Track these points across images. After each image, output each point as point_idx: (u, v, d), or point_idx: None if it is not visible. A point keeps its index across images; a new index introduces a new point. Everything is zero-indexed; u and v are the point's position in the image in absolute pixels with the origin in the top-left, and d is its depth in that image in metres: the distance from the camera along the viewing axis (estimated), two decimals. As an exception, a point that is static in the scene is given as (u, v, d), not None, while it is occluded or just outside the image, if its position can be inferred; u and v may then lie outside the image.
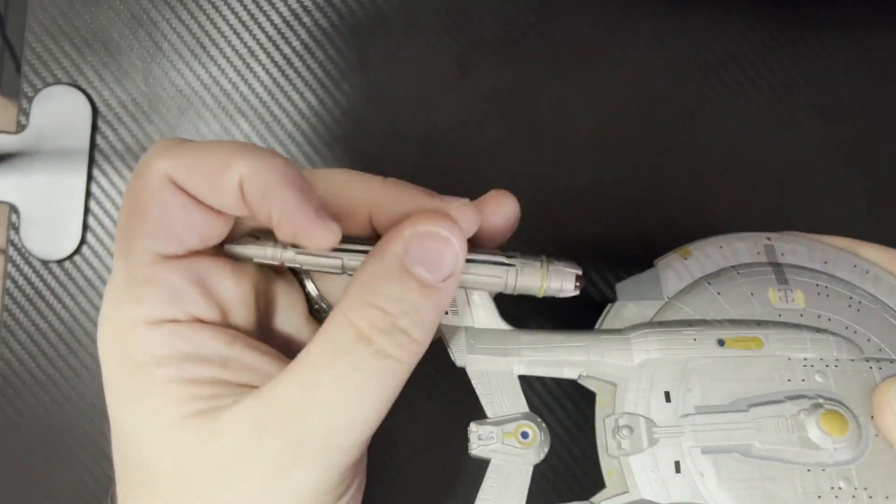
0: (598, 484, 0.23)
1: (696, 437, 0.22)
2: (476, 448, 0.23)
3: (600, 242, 0.31)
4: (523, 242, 0.31)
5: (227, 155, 0.19)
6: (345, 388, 0.19)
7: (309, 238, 0.20)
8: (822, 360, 0.23)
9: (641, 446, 0.22)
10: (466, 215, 0.21)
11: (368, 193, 0.22)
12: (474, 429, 0.23)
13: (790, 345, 0.23)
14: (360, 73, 0.32)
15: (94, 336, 0.32)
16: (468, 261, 0.21)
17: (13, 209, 0.32)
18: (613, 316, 0.24)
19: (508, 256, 0.22)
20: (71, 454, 0.31)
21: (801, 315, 0.23)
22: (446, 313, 0.23)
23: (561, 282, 0.22)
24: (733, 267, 0.25)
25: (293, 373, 0.20)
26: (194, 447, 0.19)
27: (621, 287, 0.26)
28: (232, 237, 0.22)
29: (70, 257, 0.32)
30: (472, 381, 0.23)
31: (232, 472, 0.19)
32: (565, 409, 0.31)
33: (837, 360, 0.23)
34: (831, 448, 0.22)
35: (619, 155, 0.31)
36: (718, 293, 0.24)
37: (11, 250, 0.32)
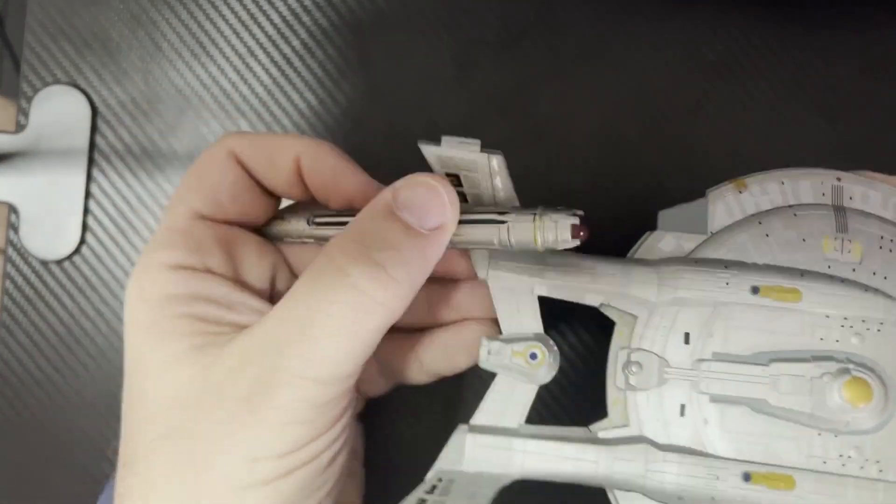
0: (600, 413, 0.23)
1: (707, 384, 0.21)
2: (485, 361, 0.23)
3: (600, 242, 0.31)
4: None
5: (286, 139, 0.23)
6: (318, 321, 0.20)
7: None
8: (863, 321, 0.21)
9: (649, 384, 0.22)
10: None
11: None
12: (485, 343, 0.23)
13: (831, 301, 0.21)
14: (360, 73, 0.32)
15: (94, 336, 0.32)
16: (459, 222, 0.21)
17: (12, 209, 0.31)
18: (649, 246, 0.23)
19: (501, 213, 0.21)
20: (70, 454, 0.31)
21: (854, 270, 0.22)
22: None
23: (556, 233, 0.20)
24: (791, 207, 0.23)
25: (279, 307, 0.21)
26: (192, 377, 0.20)
27: (665, 215, 0.24)
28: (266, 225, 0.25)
29: (69, 257, 0.31)
30: (492, 295, 0.23)
31: (215, 399, 0.20)
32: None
33: (882, 322, 0.21)
34: (849, 416, 0.21)
35: (619, 154, 0.31)
36: (767, 234, 0.22)
37: (11, 250, 0.32)
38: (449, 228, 0.21)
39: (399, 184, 0.21)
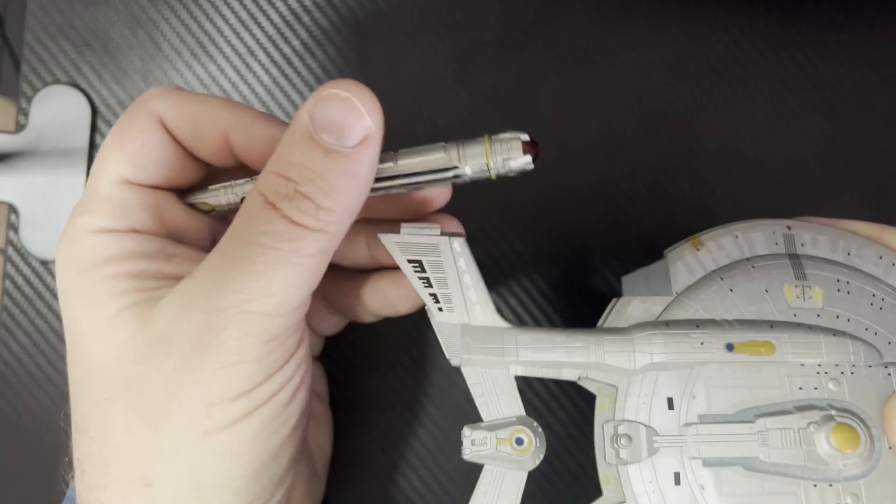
0: (594, 489, 0.22)
1: (697, 449, 0.21)
2: (469, 453, 0.22)
3: (601, 242, 0.31)
4: (524, 242, 0.31)
5: (213, 108, 0.22)
6: (256, 254, 0.19)
7: None
8: (836, 366, 0.21)
9: (640, 456, 0.21)
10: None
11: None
12: (468, 433, 0.22)
13: (804, 349, 0.21)
14: (360, 73, 0.32)
15: (94, 336, 0.32)
16: (407, 154, 0.21)
17: (12, 209, 0.31)
18: (618, 313, 0.23)
19: (448, 143, 0.21)
20: (70, 454, 0.31)
21: (818, 315, 0.22)
22: (440, 309, 0.23)
23: (509, 151, 0.20)
24: (748, 259, 0.23)
25: (215, 250, 0.20)
26: (134, 333, 0.20)
27: (628, 280, 0.24)
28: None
29: (69, 257, 0.31)
30: (468, 382, 0.23)
31: (161, 349, 0.20)
32: (564, 409, 0.30)
33: (854, 365, 0.21)
34: (840, 463, 0.21)
35: (619, 154, 0.31)
36: (731, 289, 0.22)
37: (10, 250, 0.32)
38: (374, 138, 0.20)
39: (311, 102, 0.20)
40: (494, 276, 0.27)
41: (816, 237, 0.24)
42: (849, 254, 0.23)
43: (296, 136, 0.20)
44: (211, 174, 0.24)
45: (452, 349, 0.23)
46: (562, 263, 0.31)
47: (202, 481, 0.20)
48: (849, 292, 0.22)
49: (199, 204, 0.23)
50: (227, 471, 0.20)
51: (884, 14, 0.32)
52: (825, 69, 0.32)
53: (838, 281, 0.22)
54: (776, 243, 0.24)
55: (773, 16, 0.32)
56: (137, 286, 0.21)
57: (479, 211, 0.31)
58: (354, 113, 0.19)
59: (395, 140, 0.32)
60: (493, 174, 0.21)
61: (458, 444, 0.30)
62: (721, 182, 0.31)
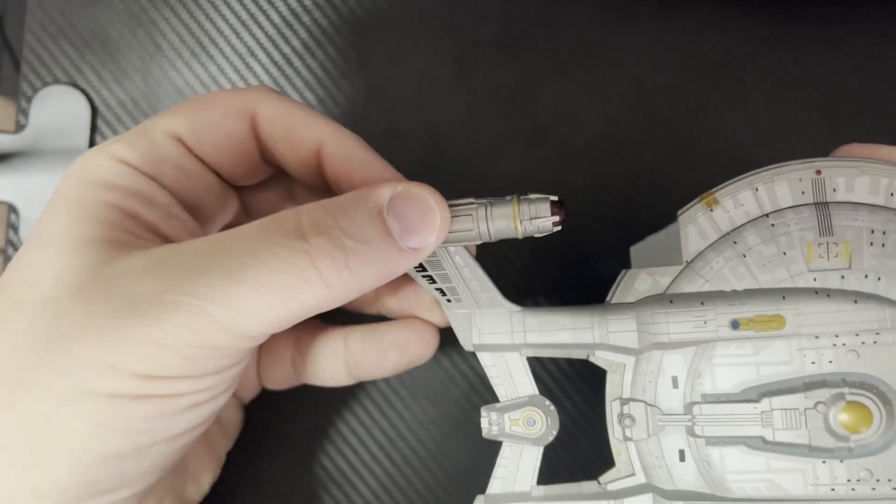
0: (610, 462, 0.23)
1: (701, 428, 0.21)
2: (487, 431, 0.23)
3: (601, 242, 0.31)
4: (523, 241, 0.31)
5: (313, 120, 0.22)
6: (251, 265, 0.18)
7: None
8: (857, 335, 0.20)
9: (645, 435, 0.22)
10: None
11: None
12: (485, 413, 0.23)
13: (819, 321, 0.20)
14: (360, 73, 0.32)
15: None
16: None
17: (12, 209, 0.31)
18: (625, 287, 0.22)
19: (478, 202, 0.21)
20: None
21: (843, 277, 0.20)
22: (448, 301, 0.23)
23: (537, 212, 0.20)
24: (767, 216, 0.21)
25: (217, 234, 0.19)
26: (88, 266, 0.19)
27: (636, 250, 0.24)
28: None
29: (69, 257, 0.31)
30: (483, 365, 0.23)
31: (101, 295, 0.18)
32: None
33: (877, 332, 0.20)
34: (850, 442, 0.20)
35: (620, 154, 0.31)
36: (744, 255, 0.21)
37: (10, 250, 0.32)
38: (425, 252, 0.20)
39: (399, 189, 0.20)
40: (493, 277, 0.26)
41: (853, 178, 0.21)
42: (892, 194, 0.20)
43: (367, 202, 0.19)
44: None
45: (465, 337, 0.23)
46: (561, 263, 0.31)
47: (51, 432, 0.18)
48: (883, 244, 0.20)
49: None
50: (81, 436, 0.18)
51: (884, 14, 0.32)
52: (825, 69, 0.32)
53: (872, 232, 0.20)
54: (803, 192, 0.21)
55: (772, 16, 0.32)
56: (125, 226, 0.20)
57: (479, 211, 0.31)
58: (428, 227, 0.20)
59: (395, 140, 0.32)
60: (519, 234, 0.20)
61: (459, 444, 0.30)
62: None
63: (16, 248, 0.31)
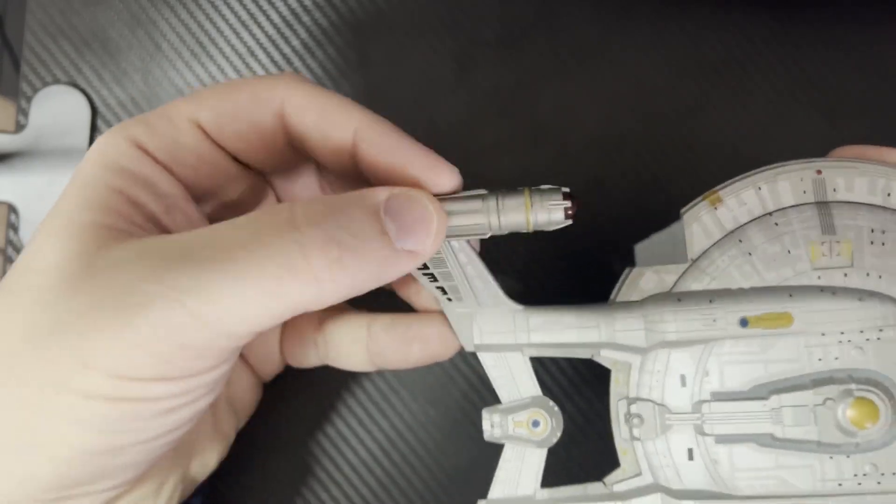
0: (613, 463, 0.22)
1: (710, 426, 0.21)
2: (489, 434, 0.23)
3: (601, 242, 0.31)
4: (523, 242, 0.31)
5: (347, 106, 0.21)
6: (238, 258, 0.17)
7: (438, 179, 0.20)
8: (862, 332, 0.20)
9: (653, 434, 0.21)
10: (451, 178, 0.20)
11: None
12: (486, 416, 0.23)
13: (824, 318, 0.20)
14: (360, 73, 0.32)
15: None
16: (442, 199, 0.20)
17: (12, 209, 0.31)
18: (630, 286, 0.22)
19: (487, 195, 0.20)
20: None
21: (846, 275, 0.21)
22: (449, 300, 0.23)
23: (548, 209, 0.20)
24: (771, 214, 0.22)
25: (208, 227, 0.19)
26: (80, 253, 0.18)
27: (640, 249, 0.24)
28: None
29: (69, 257, 0.31)
30: (484, 366, 0.23)
31: (85, 286, 0.18)
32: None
33: (881, 329, 0.20)
34: (858, 437, 0.20)
35: (620, 154, 0.31)
36: (749, 253, 0.21)
37: (10, 250, 0.32)
38: (420, 258, 0.20)
39: (398, 191, 0.19)
40: (494, 276, 0.27)
41: (852, 179, 0.21)
42: (889, 195, 0.21)
43: (365, 201, 0.19)
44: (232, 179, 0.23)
45: (466, 337, 0.23)
46: (561, 263, 0.31)
47: (33, 424, 0.18)
48: (883, 243, 0.21)
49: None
50: (59, 432, 0.18)
51: (884, 14, 0.32)
52: (826, 68, 0.32)
53: (872, 231, 0.21)
54: (804, 191, 0.21)
55: (772, 16, 0.32)
56: (126, 213, 0.19)
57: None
58: (425, 231, 0.19)
59: (395, 140, 0.32)
60: (530, 228, 0.20)
61: (459, 444, 0.30)
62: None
63: (16, 248, 0.31)
